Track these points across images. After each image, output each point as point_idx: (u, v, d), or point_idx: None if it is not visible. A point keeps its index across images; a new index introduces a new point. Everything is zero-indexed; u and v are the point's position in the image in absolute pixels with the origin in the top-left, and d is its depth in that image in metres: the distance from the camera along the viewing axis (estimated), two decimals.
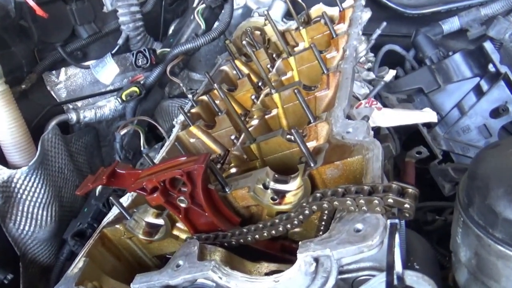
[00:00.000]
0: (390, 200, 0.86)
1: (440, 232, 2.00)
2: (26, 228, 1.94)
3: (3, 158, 1.91)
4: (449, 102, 2.39)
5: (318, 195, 1.02)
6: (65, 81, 2.28)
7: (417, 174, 2.23)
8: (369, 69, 2.36)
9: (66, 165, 2.17)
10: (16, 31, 2.03)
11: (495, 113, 2.27)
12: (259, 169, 1.39)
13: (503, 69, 2.19)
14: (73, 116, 2.26)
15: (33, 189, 1.94)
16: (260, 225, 1.20)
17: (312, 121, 1.45)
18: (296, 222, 1.08)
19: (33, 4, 1.77)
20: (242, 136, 1.81)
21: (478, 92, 2.31)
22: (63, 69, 2.27)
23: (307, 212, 1.03)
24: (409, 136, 2.36)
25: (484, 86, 2.29)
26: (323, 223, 1.10)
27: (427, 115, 1.88)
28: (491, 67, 2.23)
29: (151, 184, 1.26)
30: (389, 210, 0.89)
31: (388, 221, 0.84)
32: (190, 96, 2.22)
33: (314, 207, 1.01)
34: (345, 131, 1.27)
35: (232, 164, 1.73)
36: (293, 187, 1.30)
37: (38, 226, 1.98)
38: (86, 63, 2.31)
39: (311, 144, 1.43)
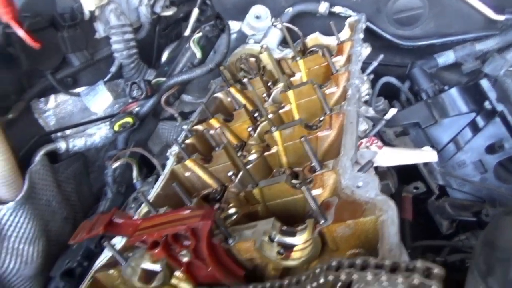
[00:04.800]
0: (415, 282, 0.82)
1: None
2: (11, 265, 1.84)
3: None
4: (445, 136, 2.39)
5: (334, 264, 0.97)
6: (54, 108, 2.19)
7: (414, 209, 2.23)
8: (365, 102, 2.34)
9: (54, 197, 2.07)
10: (3, 58, 1.94)
11: (491, 149, 2.28)
12: (264, 220, 1.33)
13: (499, 107, 2.21)
14: (62, 146, 2.17)
15: (19, 225, 1.84)
16: (267, 286, 1.15)
17: (318, 169, 1.41)
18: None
19: (24, 36, 1.69)
20: (240, 174, 1.76)
21: (474, 127, 2.32)
22: (52, 96, 2.18)
23: (322, 280, 0.99)
24: (404, 168, 2.35)
25: (480, 122, 2.30)
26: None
27: (428, 155, 1.86)
28: (487, 104, 2.24)
29: (152, 238, 1.20)
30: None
31: None
32: (185, 127, 2.17)
33: (330, 277, 0.96)
34: (355, 185, 1.24)
35: (232, 204, 1.68)
36: (301, 241, 1.26)
37: (24, 263, 1.88)
38: (77, 90, 2.23)
39: (317, 192, 1.40)
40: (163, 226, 1.20)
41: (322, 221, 1.17)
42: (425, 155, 1.88)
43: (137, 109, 2.15)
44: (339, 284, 1.03)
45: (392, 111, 1.94)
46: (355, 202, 1.17)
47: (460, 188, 2.32)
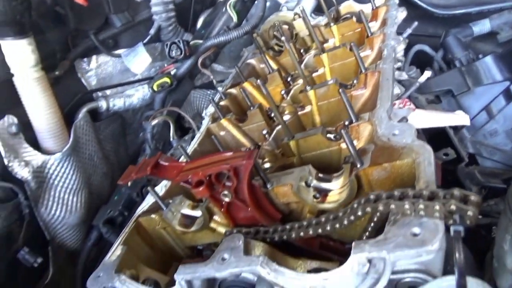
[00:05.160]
0: (453, 207, 0.87)
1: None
2: (57, 213, 1.97)
3: (36, 143, 1.94)
4: (477, 105, 2.39)
5: (372, 197, 1.03)
6: (95, 68, 2.29)
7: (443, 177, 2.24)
8: (398, 69, 2.35)
9: (96, 152, 2.19)
10: (51, 17, 2.04)
11: None
12: (300, 167, 1.40)
13: None
14: (103, 104, 2.27)
15: (65, 175, 1.96)
16: (305, 223, 1.22)
17: (354, 121, 1.45)
18: (346, 222, 1.09)
19: None
20: (275, 131, 1.82)
21: (508, 96, 2.31)
22: (94, 57, 2.28)
23: (359, 213, 1.04)
24: (434, 136, 2.37)
25: None
26: (372, 224, 1.12)
27: (460, 118, 1.87)
28: None
29: (197, 177, 1.28)
30: (448, 216, 0.90)
31: (452, 228, 0.85)
32: (219, 89, 2.23)
33: (368, 209, 1.02)
34: (391, 133, 1.28)
35: (266, 159, 1.74)
36: (337, 186, 1.32)
37: (69, 212, 2.01)
38: (117, 52, 2.32)
39: None
40: (207, 166, 1.27)
41: (358, 165, 1.22)
42: (458, 118, 1.89)
43: (174, 70, 2.23)
44: (377, 215, 1.09)
45: (426, 74, 1.95)
46: (391, 148, 1.22)
47: (491, 157, 2.32)
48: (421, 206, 0.91)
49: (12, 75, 1.80)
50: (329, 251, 1.34)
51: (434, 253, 0.89)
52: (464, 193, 0.88)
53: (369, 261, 0.96)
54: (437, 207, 0.88)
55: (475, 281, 0.84)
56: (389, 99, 1.46)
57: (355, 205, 1.06)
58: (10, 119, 1.83)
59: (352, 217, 1.07)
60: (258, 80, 1.63)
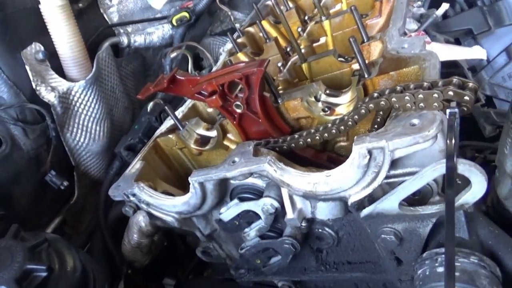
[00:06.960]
0: (450, 93, 0.90)
1: None
2: (81, 140, 2.08)
3: (62, 72, 2.03)
4: (497, 47, 2.35)
5: (376, 94, 1.07)
6: (117, 4, 2.35)
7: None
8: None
9: (117, 85, 2.27)
10: None
11: None
12: (310, 83, 1.44)
13: None
14: (124, 40, 2.34)
15: (88, 103, 2.06)
16: (313, 130, 1.27)
17: (365, 40, 1.48)
18: (350, 122, 1.14)
19: None
20: (289, 63, 1.85)
21: None
22: None
23: (363, 111, 1.09)
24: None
25: None
26: (376, 126, 1.16)
27: (476, 52, 1.87)
28: None
29: (211, 88, 1.34)
30: (447, 105, 0.94)
31: (448, 110, 0.88)
32: (237, 25, 2.26)
33: (371, 105, 1.07)
34: (401, 47, 1.30)
35: (280, 87, 1.79)
36: (345, 100, 1.36)
37: (92, 139, 2.11)
38: None
39: None
40: (220, 77, 1.33)
41: (366, 75, 1.26)
42: (474, 52, 1.89)
43: (193, 6, 2.26)
44: (380, 116, 1.14)
45: (444, 6, 1.94)
46: (400, 58, 1.25)
47: (508, 98, 2.31)
48: (421, 96, 0.95)
49: (38, 2, 1.87)
50: (336, 164, 1.40)
51: (431, 140, 0.93)
52: (462, 80, 0.91)
53: (370, 153, 1.01)
54: (435, 95, 0.92)
55: (467, 163, 0.89)
56: (402, 19, 1.47)
57: (359, 105, 1.11)
58: (37, 47, 1.92)
59: (356, 117, 1.12)
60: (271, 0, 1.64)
